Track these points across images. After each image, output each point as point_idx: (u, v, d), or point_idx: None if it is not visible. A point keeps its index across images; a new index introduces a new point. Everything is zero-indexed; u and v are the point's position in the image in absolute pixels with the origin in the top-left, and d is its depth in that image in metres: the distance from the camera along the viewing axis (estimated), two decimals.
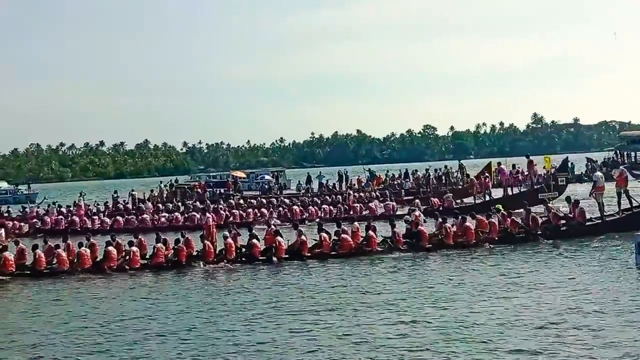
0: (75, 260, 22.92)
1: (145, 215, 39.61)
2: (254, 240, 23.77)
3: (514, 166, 39.22)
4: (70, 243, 24.20)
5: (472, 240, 24.44)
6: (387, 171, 62.90)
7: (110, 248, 23.29)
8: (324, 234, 24.13)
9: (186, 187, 61.89)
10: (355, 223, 26.04)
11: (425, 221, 27.12)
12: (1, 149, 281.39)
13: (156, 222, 38.00)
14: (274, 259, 23.26)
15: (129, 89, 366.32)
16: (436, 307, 15.92)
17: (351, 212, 37.63)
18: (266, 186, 64.37)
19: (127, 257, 23.08)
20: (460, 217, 25.22)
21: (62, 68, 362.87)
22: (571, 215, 25.76)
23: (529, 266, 20.60)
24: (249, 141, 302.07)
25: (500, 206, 27.43)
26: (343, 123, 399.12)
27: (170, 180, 65.96)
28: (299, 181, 65.38)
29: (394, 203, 38.96)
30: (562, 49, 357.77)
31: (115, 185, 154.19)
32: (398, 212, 35.79)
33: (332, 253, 23.79)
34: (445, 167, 49.44)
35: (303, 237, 24.03)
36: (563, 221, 25.76)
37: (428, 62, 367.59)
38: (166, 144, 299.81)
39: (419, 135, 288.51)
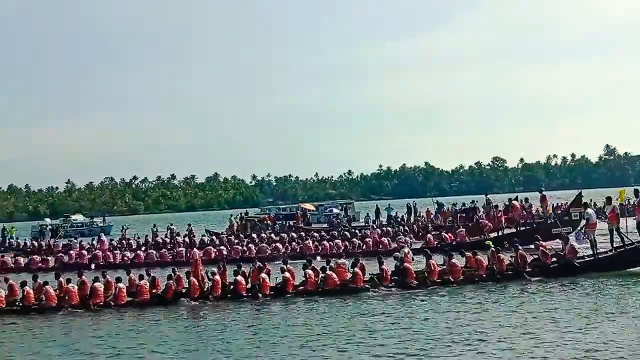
0: (64, 296, 23.35)
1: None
2: (239, 277, 23.79)
3: (526, 200, 38.46)
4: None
5: (458, 277, 24.08)
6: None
7: (97, 284, 23.62)
8: (309, 271, 23.99)
9: (256, 219, 62.38)
10: (342, 259, 25.70)
11: (413, 259, 26.63)
12: (77, 182, 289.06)
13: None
14: (259, 295, 23.27)
15: (200, 123, 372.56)
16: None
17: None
18: (334, 219, 64.25)
19: (114, 294, 23.38)
20: (448, 254, 24.92)
21: (134, 101, 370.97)
22: (562, 253, 25.08)
23: (506, 306, 20.14)
24: (317, 174, 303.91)
25: (490, 243, 26.81)
26: (410, 155, 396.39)
27: (241, 213, 66.82)
28: (367, 214, 64.78)
29: (407, 238, 38.61)
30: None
31: (187, 217, 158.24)
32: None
33: (318, 290, 23.58)
34: (472, 201, 48.68)
35: (287, 274, 23.92)
36: (554, 259, 25.06)
37: (497, 92, 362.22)
38: (235, 177, 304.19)
39: (488, 167, 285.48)
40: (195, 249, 30.24)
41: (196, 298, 23.37)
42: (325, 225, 61.11)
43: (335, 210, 71.37)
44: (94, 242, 44.75)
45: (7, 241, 60.05)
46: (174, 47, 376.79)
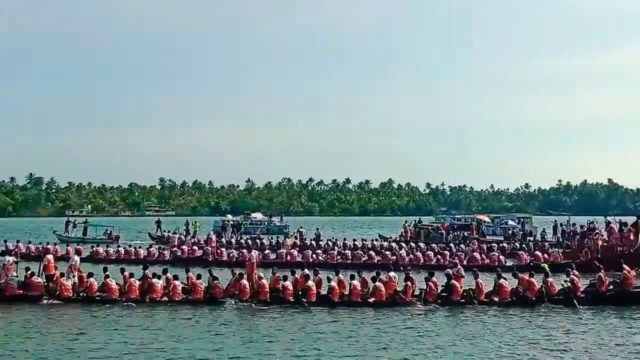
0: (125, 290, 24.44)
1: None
2: (286, 283, 23.89)
3: (625, 224, 35.83)
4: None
5: (505, 298, 23.35)
6: None
7: (155, 280, 24.51)
8: (355, 282, 23.79)
9: (429, 227, 62.55)
10: (391, 272, 25.15)
11: (463, 276, 25.65)
12: (257, 182, 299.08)
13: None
14: (304, 302, 23.31)
15: (375, 129, 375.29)
16: None
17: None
18: (510, 232, 63.13)
19: (169, 290, 24.18)
20: (497, 274, 24.38)
21: (318, 103, 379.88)
22: (618, 281, 23.57)
23: (539, 331, 19.39)
24: (492, 185, 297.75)
25: (545, 266, 25.47)
26: (591, 171, 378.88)
27: (414, 220, 67.08)
28: (544, 229, 63.26)
29: (501, 255, 37.45)
30: None
31: (359, 222, 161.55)
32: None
33: (365, 301, 23.39)
34: (592, 222, 45.76)
35: (333, 283, 23.77)
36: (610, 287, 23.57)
37: None
38: (409, 184, 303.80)
39: None
40: (253, 252, 30.42)
41: (244, 300, 23.67)
42: (501, 237, 59.76)
43: (511, 223, 69.58)
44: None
45: (191, 234, 62.71)
46: (364, 53, 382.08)
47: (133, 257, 41.72)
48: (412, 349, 17.14)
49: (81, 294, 24.51)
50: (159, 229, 65.01)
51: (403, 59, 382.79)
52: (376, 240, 50.64)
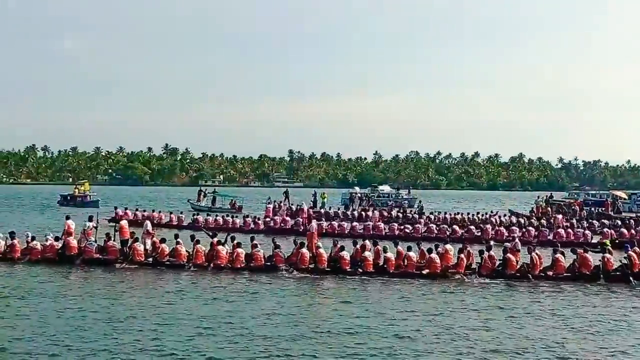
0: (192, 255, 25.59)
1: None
2: (343, 252, 24.47)
3: None
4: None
5: (560, 272, 23.25)
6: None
7: (220, 247, 25.52)
8: (410, 254, 24.28)
9: (562, 203, 61.74)
10: (448, 245, 25.34)
11: (519, 250, 25.36)
12: (384, 154, 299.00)
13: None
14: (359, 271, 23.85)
15: (514, 102, 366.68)
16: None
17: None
18: None
19: (232, 257, 25.14)
20: (554, 250, 24.54)
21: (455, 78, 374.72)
22: None
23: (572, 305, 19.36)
24: (629, 160, 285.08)
25: (607, 241, 25.70)
26: None
27: (546, 196, 66.34)
28: None
29: (585, 230, 37.04)
30: None
31: (488, 196, 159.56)
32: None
33: (419, 272, 23.70)
34: None
35: (389, 254, 24.27)
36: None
37: None
38: (541, 159, 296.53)
39: None
40: (313, 222, 30.86)
41: (303, 269, 24.37)
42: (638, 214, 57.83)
43: None
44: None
45: (318, 206, 64.08)
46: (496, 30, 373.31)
47: (230, 226, 43.03)
48: (435, 322, 17.15)
49: (151, 259, 25.82)
50: (287, 199, 66.43)
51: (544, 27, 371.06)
52: (505, 215, 50.32)
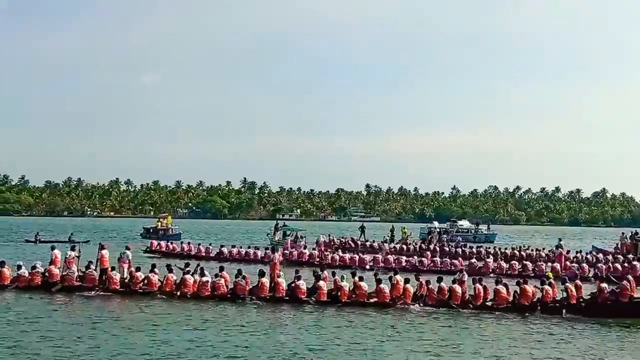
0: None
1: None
2: (299, 282, 25.17)
3: None
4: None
5: (501, 303, 23.68)
6: None
7: (188, 276, 26.34)
8: (360, 283, 24.98)
9: None
10: (398, 275, 25.66)
11: (464, 281, 26.04)
12: (462, 189, 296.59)
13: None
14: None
15: (587, 136, 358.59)
16: None
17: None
18: None
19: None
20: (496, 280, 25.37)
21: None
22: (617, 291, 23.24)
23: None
24: None
25: (550, 274, 26.13)
26: None
27: (631, 232, 65.09)
28: None
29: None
30: None
31: (568, 232, 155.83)
32: None
33: (369, 301, 24.38)
34: None
35: (343, 283, 25.03)
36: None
37: None
38: (624, 194, 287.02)
39: None
40: (276, 253, 30.98)
41: (261, 297, 25.14)
42: None
43: None
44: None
45: (395, 240, 62.49)
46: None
47: (251, 258, 44.52)
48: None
49: (126, 287, 26.72)
50: (362, 235, 66.70)
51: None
52: (589, 253, 49.83)
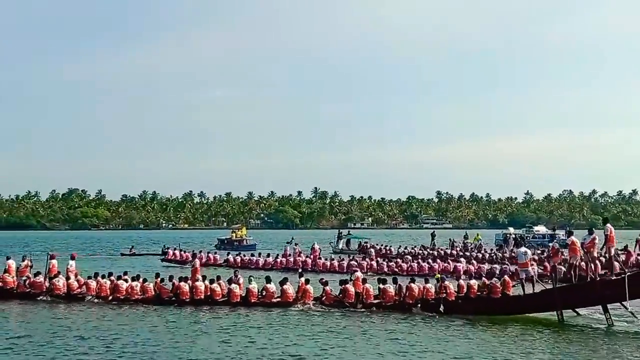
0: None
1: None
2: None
3: None
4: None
5: (389, 301, 24.88)
6: None
7: (121, 282, 28.05)
8: (268, 285, 26.36)
9: None
10: (303, 278, 26.85)
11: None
12: (535, 194, 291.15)
13: None
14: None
15: None
16: None
17: None
18: None
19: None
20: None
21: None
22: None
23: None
24: None
25: (438, 276, 26.37)
26: None
27: None
28: None
29: None
30: None
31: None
32: None
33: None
34: None
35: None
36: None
37: None
38: None
39: None
40: (196, 259, 31.81)
41: (181, 300, 26.64)
42: None
43: None
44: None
45: (469, 247, 63.14)
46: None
47: (258, 264, 46.43)
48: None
49: (65, 292, 28.57)
50: (432, 241, 67.23)
51: None
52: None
